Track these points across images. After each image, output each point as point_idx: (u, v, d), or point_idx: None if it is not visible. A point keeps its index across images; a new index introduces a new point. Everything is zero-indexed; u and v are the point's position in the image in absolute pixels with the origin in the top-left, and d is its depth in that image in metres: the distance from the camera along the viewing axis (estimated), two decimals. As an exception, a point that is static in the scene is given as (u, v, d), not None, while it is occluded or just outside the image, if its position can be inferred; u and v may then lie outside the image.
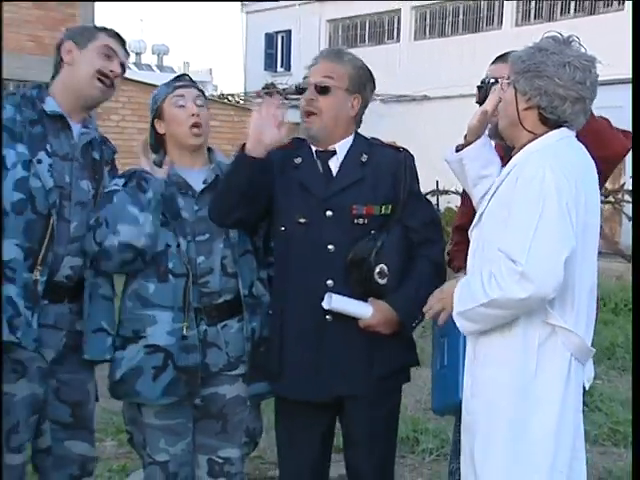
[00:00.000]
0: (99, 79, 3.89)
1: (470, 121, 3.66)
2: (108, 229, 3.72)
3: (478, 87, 4.06)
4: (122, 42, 4.01)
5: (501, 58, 4.05)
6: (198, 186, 3.90)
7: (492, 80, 3.90)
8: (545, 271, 3.04)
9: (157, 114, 3.94)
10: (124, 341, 3.83)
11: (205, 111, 3.94)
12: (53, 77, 3.96)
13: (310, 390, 3.77)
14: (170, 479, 3.93)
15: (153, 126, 3.98)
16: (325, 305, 3.67)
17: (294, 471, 3.94)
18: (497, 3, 28.52)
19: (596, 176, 3.32)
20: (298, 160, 3.82)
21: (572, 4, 26.72)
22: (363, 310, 3.71)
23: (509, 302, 3.09)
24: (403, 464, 6.16)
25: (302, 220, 3.76)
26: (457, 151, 3.71)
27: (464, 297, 3.22)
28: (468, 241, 3.78)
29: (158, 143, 4.00)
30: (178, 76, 4.02)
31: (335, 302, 3.66)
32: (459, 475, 3.99)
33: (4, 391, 3.78)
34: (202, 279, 3.83)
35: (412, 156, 3.94)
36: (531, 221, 3.05)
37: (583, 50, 3.26)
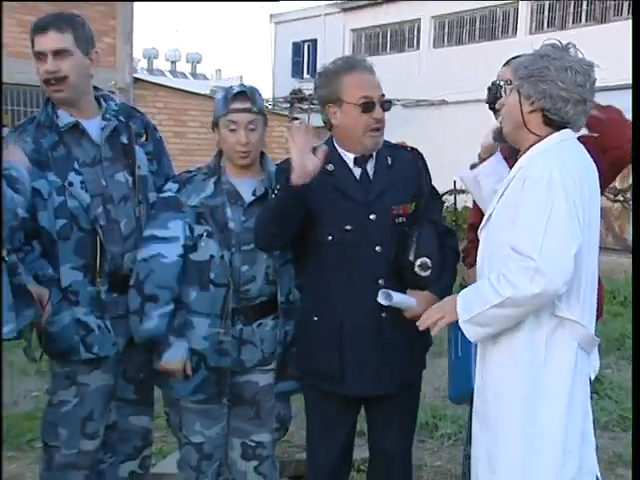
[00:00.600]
0: (45, 83, 3.84)
1: (483, 140, 3.67)
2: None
3: (488, 88, 4.04)
4: (44, 28, 3.82)
5: (510, 61, 3.95)
6: (247, 195, 3.88)
7: (501, 82, 3.88)
8: (557, 266, 3.03)
9: (215, 125, 3.87)
10: None
11: (257, 133, 3.85)
12: None
13: (373, 386, 3.79)
14: (204, 459, 3.95)
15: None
16: (384, 302, 3.64)
17: (324, 458, 3.94)
18: (512, 12, 28.36)
19: (597, 176, 3.31)
20: (330, 167, 3.76)
21: (583, 13, 26.51)
22: (411, 302, 3.70)
23: (523, 299, 3.07)
24: (423, 448, 6.17)
25: (348, 227, 3.71)
26: (471, 168, 3.72)
27: (470, 303, 3.21)
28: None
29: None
30: (237, 93, 3.83)
31: (394, 298, 3.65)
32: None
33: (79, 381, 3.85)
34: (244, 287, 3.83)
35: (421, 154, 3.96)
36: (541, 219, 3.05)
37: (581, 56, 3.26)
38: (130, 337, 3.89)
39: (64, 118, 3.83)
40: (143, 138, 4.06)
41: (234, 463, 4.03)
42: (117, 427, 4.07)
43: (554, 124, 3.24)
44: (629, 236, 20.48)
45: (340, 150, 3.81)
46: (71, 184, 3.77)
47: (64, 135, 3.83)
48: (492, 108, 4.02)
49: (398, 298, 3.66)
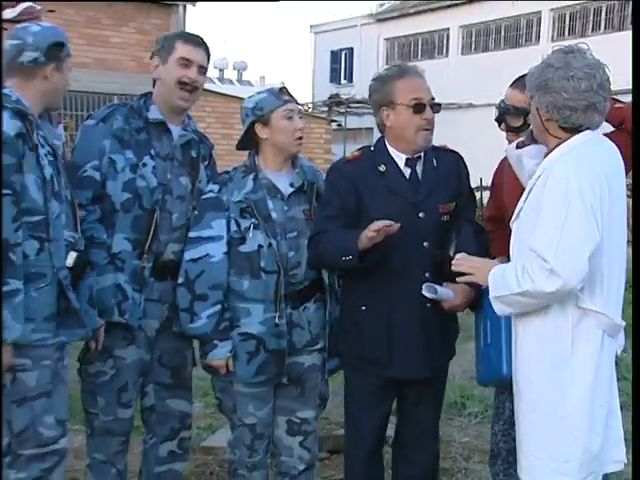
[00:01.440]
0: (181, 85, 3.88)
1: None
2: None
3: (496, 106, 4.07)
4: (201, 44, 3.97)
5: (516, 83, 3.99)
6: (285, 188, 3.89)
7: (508, 106, 3.95)
8: (570, 268, 3.03)
9: (262, 120, 3.85)
10: None
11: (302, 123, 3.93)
12: (153, 86, 3.99)
13: (417, 369, 3.82)
14: (257, 439, 3.97)
15: (251, 128, 3.89)
16: (429, 295, 3.66)
17: (361, 436, 3.96)
18: (535, 22, 28.21)
19: (622, 171, 3.28)
20: (382, 168, 3.77)
21: (602, 22, 26.38)
22: (449, 294, 3.72)
23: (540, 294, 3.09)
24: (452, 425, 6.19)
25: (399, 224, 3.65)
26: (517, 147, 3.75)
27: (498, 284, 3.21)
28: (500, 230, 3.81)
29: (249, 143, 3.95)
30: (280, 89, 3.92)
31: (439, 292, 3.67)
32: (501, 435, 4.01)
33: (116, 355, 3.88)
34: (292, 272, 3.84)
35: (461, 156, 3.98)
36: (558, 222, 3.04)
37: (587, 59, 3.19)
38: (162, 322, 3.93)
39: (154, 113, 3.90)
40: (207, 162, 4.12)
41: (280, 439, 4.04)
42: (155, 409, 4.09)
43: (569, 129, 3.21)
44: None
45: (392, 151, 3.81)
46: (145, 165, 3.83)
47: (150, 126, 3.89)
48: (500, 124, 4.06)
49: (441, 291, 3.68)
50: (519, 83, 3.90)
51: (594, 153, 3.22)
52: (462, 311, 3.88)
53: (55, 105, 3.69)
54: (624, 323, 3.33)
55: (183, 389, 4.15)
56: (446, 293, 3.71)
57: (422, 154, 3.82)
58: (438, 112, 3.81)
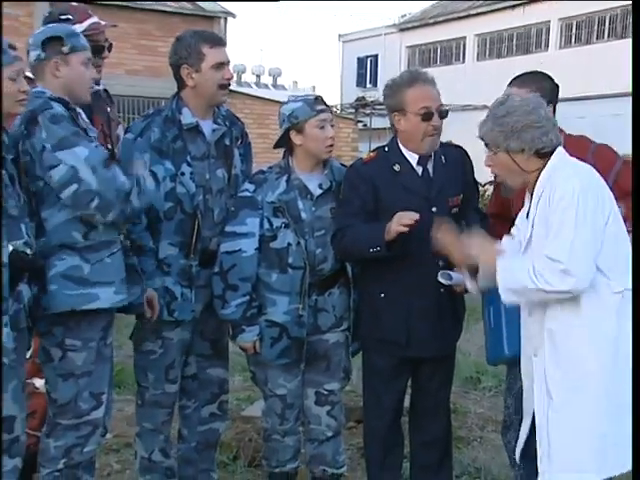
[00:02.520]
0: (221, 88, 3.86)
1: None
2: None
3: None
4: (223, 43, 3.92)
5: (513, 82, 3.96)
6: (314, 189, 3.88)
7: None
8: (583, 268, 3.04)
9: (297, 128, 3.80)
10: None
11: (334, 131, 3.90)
12: (179, 88, 3.90)
13: (432, 349, 3.83)
14: (287, 408, 3.99)
15: (287, 134, 3.85)
16: (445, 282, 3.65)
17: (380, 409, 3.98)
18: (544, 30, 28.05)
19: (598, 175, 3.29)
20: (397, 167, 3.76)
21: (606, 30, 26.20)
22: (461, 279, 3.67)
23: (554, 293, 3.08)
24: (467, 398, 6.19)
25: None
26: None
27: (508, 278, 3.18)
28: (500, 225, 3.81)
29: (284, 144, 3.92)
30: (316, 97, 3.88)
31: (454, 278, 3.66)
32: (512, 407, 3.99)
33: (164, 336, 3.90)
34: (319, 267, 3.85)
35: (466, 151, 3.98)
36: (569, 226, 3.04)
37: (521, 97, 3.29)
38: (206, 303, 3.94)
39: (187, 117, 3.84)
40: (240, 142, 4.09)
41: (309, 409, 4.05)
42: (197, 377, 4.12)
43: (544, 154, 3.21)
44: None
45: (404, 151, 3.79)
46: (183, 174, 3.80)
47: (184, 132, 3.84)
48: None
49: (455, 277, 3.67)
50: (517, 81, 3.90)
51: (577, 163, 3.25)
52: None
53: (79, 99, 3.55)
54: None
55: (221, 359, 4.19)
56: (459, 278, 3.69)
57: (432, 153, 3.80)
58: (446, 117, 3.78)
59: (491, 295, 3.66)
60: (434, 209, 3.73)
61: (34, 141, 3.29)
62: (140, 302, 3.68)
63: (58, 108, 3.33)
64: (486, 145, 3.30)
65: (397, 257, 3.65)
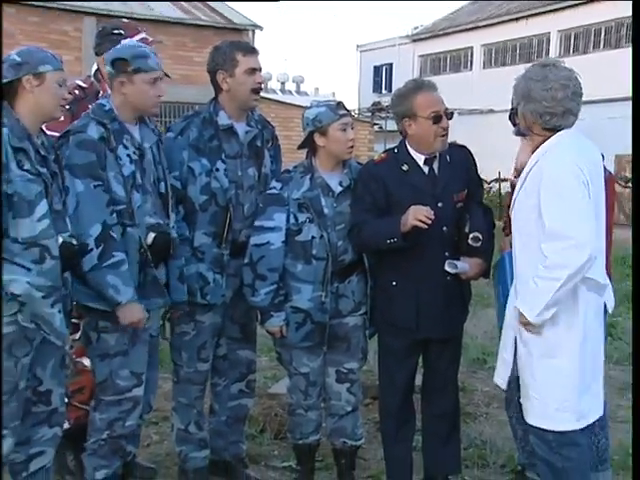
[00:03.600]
0: (254, 92, 3.89)
1: (521, 158, 3.61)
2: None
3: (509, 117, 4.06)
4: (256, 51, 3.94)
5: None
6: (336, 187, 3.87)
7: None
8: (589, 237, 3.02)
9: (320, 131, 3.78)
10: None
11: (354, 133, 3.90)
12: (216, 93, 3.94)
13: (438, 331, 3.84)
14: (310, 385, 4.00)
15: (310, 136, 3.83)
16: (451, 270, 3.69)
17: (393, 387, 3.98)
18: (545, 40, 27.98)
19: (600, 159, 3.31)
20: (405, 167, 3.76)
21: (601, 41, 26.17)
22: (466, 267, 3.74)
23: (577, 270, 3.03)
24: (475, 377, 6.19)
25: None
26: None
27: (531, 306, 3.16)
28: None
29: (308, 146, 3.90)
30: (337, 103, 3.86)
31: (459, 267, 3.70)
32: (514, 385, 3.98)
33: (197, 319, 3.92)
34: (340, 257, 3.85)
35: (469, 150, 3.97)
36: (566, 202, 3.04)
37: (563, 70, 3.22)
38: (236, 290, 3.95)
39: (223, 119, 3.87)
40: (270, 144, 4.10)
41: (330, 386, 4.05)
42: (227, 358, 4.14)
43: (550, 129, 3.22)
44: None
45: (412, 152, 3.79)
46: (217, 170, 3.83)
47: (220, 132, 3.87)
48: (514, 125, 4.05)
49: (461, 266, 3.71)
50: None
51: (577, 144, 3.24)
52: (476, 280, 3.90)
53: (143, 113, 3.63)
54: (608, 282, 3.33)
55: (249, 341, 4.21)
56: (463, 267, 3.72)
57: (437, 153, 3.79)
58: (451, 119, 3.79)
59: (501, 275, 3.68)
60: (440, 204, 3.73)
61: (62, 154, 3.38)
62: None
63: (92, 132, 3.40)
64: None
65: (408, 248, 3.66)
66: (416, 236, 3.59)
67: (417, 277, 3.77)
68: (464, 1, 34.05)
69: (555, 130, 3.22)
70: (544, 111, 3.17)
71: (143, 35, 4.12)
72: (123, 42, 3.81)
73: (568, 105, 3.19)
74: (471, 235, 3.71)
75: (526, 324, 3.22)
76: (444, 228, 3.74)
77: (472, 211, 3.80)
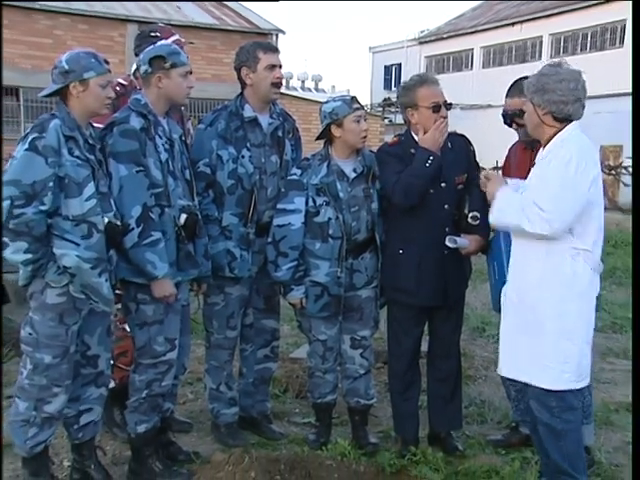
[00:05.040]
0: (274, 86, 3.88)
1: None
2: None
3: (502, 115, 4.05)
4: (276, 50, 3.93)
5: (510, 94, 3.99)
6: (350, 173, 3.85)
7: (516, 111, 3.87)
8: (561, 220, 3.08)
9: (337, 123, 3.76)
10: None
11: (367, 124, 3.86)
12: (242, 88, 3.94)
13: (438, 298, 3.82)
14: (328, 351, 3.99)
15: (328, 128, 3.80)
16: (451, 245, 3.67)
17: (401, 351, 3.96)
18: (537, 43, 27.88)
19: (597, 153, 3.31)
20: (412, 150, 3.73)
21: (588, 44, 26.25)
22: (466, 243, 3.72)
23: (531, 233, 3.14)
24: (474, 344, 6.19)
25: (430, 190, 3.70)
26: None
27: (503, 206, 3.26)
28: None
29: (325, 136, 3.87)
30: (352, 97, 3.83)
31: (458, 242, 3.68)
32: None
33: (226, 291, 3.93)
34: (354, 236, 3.83)
35: (468, 138, 3.95)
36: (558, 183, 3.06)
37: (570, 68, 3.23)
38: (260, 267, 3.95)
39: (248, 112, 3.88)
40: (291, 135, 4.08)
41: (345, 352, 4.04)
42: (254, 326, 4.15)
43: (561, 120, 3.20)
44: (618, 198, 20.01)
45: (417, 138, 3.76)
46: (243, 157, 3.83)
47: (245, 123, 3.87)
48: (509, 125, 4.06)
49: (460, 242, 3.69)
50: (514, 93, 3.93)
51: (585, 139, 3.22)
52: (475, 255, 3.87)
53: (177, 102, 3.64)
54: (603, 265, 3.32)
55: (273, 312, 4.21)
56: (463, 242, 3.71)
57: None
58: (450, 109, 3.77)
59: (494, 253, 3.65)
60: (443, 184, 3.73)
61: (107, 143, 3.37)
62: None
63: (134, 122, 3.39)
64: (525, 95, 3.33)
65: (415, 221, 3.72)
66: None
67: (421, 248, 3.76)
68: (469, 0, 33.83)
69: (566, 120, 3.21)
70: (559, 99, 3.15)
71: (176, 37, 4.14)
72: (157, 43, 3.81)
73: (579, 95, 3.19)
74: (470, 214, 3.70)
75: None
76: (446, 206, 3.73)
77: (471, 193, 3.77)
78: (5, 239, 3.04)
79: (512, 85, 4.00)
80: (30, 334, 3.21)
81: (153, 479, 3.59)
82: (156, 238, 3.36)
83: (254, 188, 3.85)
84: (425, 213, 3.71)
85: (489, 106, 26.58)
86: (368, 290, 3.96)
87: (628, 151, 21.18)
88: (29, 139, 3.06)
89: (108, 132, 3.39)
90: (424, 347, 4.11)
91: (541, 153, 3.30)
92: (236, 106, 3.90)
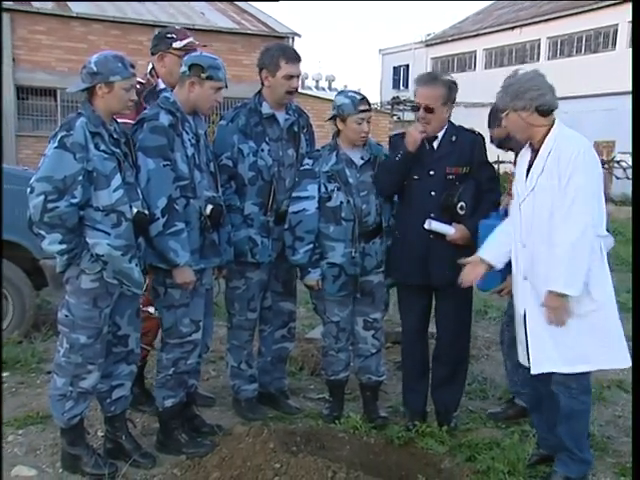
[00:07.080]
0: (288, 93, 3.87)
1: None
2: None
3: (492, 143, 4.01)
4: (299, 59, 3.89)
5: (491, 121, 3.97)
6: (358, 160, 3.85)
7: (496, 140, 3.94)
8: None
9: (341, 117, 3.79)
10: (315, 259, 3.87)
11: (371, 124, 3.84)
12: (261, 86, 3.92)
13: (419, 278, 3.77)
14: (341, 332, 3.98)
15: (334, 120, 3.84)
16: (426, 226, 3.64)
17: (410, 320, 3.95)
18: (536, 45, 27.77)
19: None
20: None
21: (583, 46, 26.14)
22: (449, 230, 3.66)
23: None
24: (477, 325, 6.16)
25: (416, 177, 3.70)
26: None
27: (574, 272, 3.10)
28: None
29: (333, 122, 3.88)
30: (362, 98, 3.80)
31: (433, 224, 3.64)
32: (505, 326, 4.06)
33: (247, 275, 3.93)
34: (364, 219, 3.81)
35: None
36: (590, 193, 3.06)
37: (525, 69, 3.22)
38: (279, 253, 3.93)
39: (266, 108, 3.87)
40: (305, 130, 4.07)
41: (358, 333, 4.02)
42: (272, 309, 4.14)
43: (546, 112, 3.13)
44: (611, 190, 19.85)
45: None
46: (262, 150, 3.82)
47: (263, 119, 3.87)
48: (504, 149, 4.05)
49: (435, 225, 3.65)
50: (494, 123, 3.93)
51: (574, 132, 3.19)
52: (461, 244, 3.65)
53: (200, 112, 3.58)
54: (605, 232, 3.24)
55: (290, 295, 4.20)
56: (444, 228, 3.66)
57: (441, 132, 3.74)
58: (431, 113, 3.69)
59: (480, 239, 3.57)
60: (431, 172, 3.70)
61: (136, 137, 3.36)
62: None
63: (163, 119, 3.37)
64: (501, 112, 3.25)
65: (405, 205, 3.76)
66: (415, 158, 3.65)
67: (409, 229, 3.76)
68: (475, 1, 33.62)
69: (549, 112, 3.14)
70: (537, 93, 3.09)
71: (190, 39, 4.10)
72: (201, 51, 3.79)
73: (549, 84, 3.15)
74: (458, 204, 3.66)
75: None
76: (432, 193, 3.69)
77: (466, 185, 3.71)
78: (41, 232, 3.05)
79: (490, 116, 3.95)
80: (66, 316, 3.21)
81: (179, 449, 3.59)
82: (179, 228, 3.34)
83: (273, 179, 3.84)
84: (412, 199, 3.73)
85: (491, 104, 26.57)
86: (378, 275, 3.94)
87: (620, 146, 21.08)
88: (58, 137, 3.06)
89: (139, 127, 3.38)
90: (432, 329, 4.07)
91: (541, 153, 3.18)
92: (255, 103, 3.89)
